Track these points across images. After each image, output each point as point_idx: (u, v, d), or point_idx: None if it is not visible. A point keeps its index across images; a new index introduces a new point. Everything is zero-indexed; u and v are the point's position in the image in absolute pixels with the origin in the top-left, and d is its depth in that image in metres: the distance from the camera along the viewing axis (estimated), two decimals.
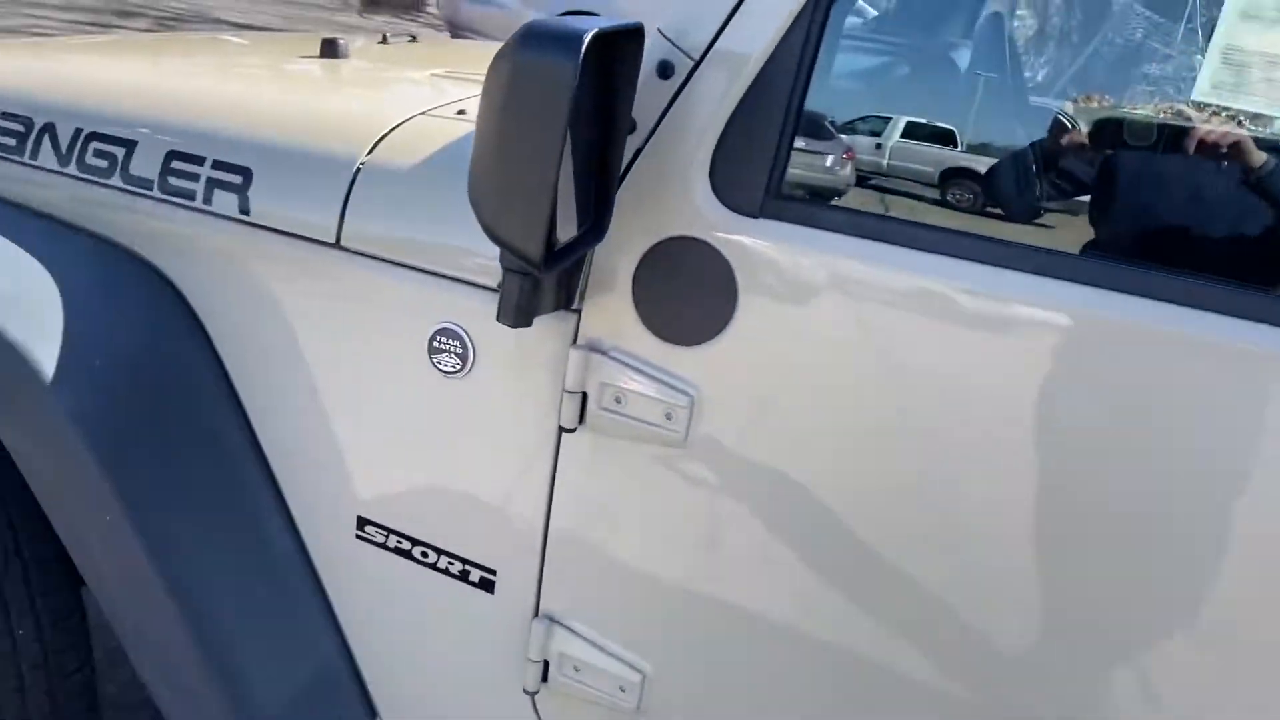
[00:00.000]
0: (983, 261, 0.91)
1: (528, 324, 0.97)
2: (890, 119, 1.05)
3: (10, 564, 1.29)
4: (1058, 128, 1.02)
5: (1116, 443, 0.88)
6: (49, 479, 1.15)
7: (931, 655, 0.99)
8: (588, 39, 0.77)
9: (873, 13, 1.08)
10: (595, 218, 0.96)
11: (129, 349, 1.19)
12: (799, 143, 0.97)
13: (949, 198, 1.04)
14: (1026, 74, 1.17)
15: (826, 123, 1.01)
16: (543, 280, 0.97)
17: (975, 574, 0.95)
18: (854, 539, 0.99)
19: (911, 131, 1.05)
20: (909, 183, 1.03)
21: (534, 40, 0.77)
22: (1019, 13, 1.28)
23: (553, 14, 0.87)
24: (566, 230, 0.93)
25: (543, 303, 0.99)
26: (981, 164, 1.03)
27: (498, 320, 0.95)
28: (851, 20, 1.04)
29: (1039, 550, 0.92)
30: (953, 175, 1.03)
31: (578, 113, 0.91)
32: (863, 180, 1.03)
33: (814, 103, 0.97)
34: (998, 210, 1.04)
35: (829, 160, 1.02)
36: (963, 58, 1.11)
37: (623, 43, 0.92)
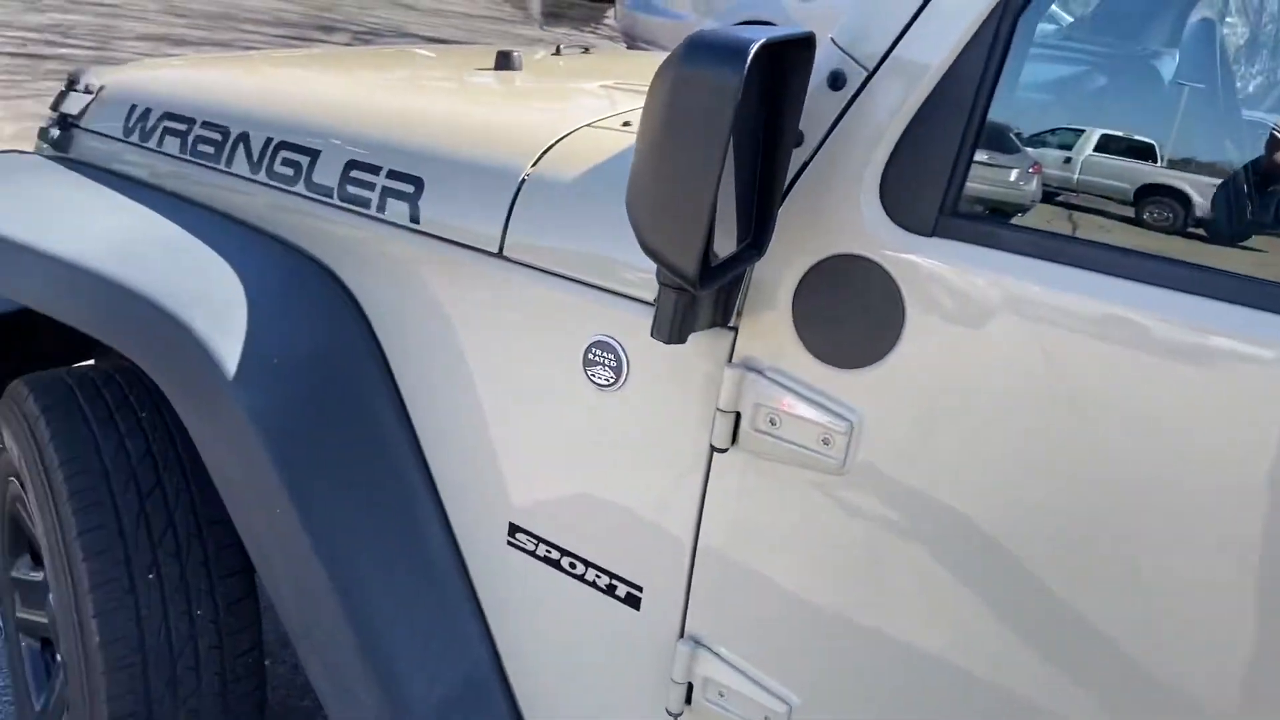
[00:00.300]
0: (1177, 288, 0.83)
1: (682, 341, 0.95)
2: (1081, 131, 0.97)
3: (192, 548, 1.38)
4: (1274, 144, 0.92)
5: None
6: (226, 469, 1.22)
7: (1099, 697, 0.91)
8: (754, 50, 0.74)
9: (1067, 19, 1.01)
10: (756, 234, 0.93)
11: (305, 349, 1.24)
12: (981, 156, 0.91)
13: (1146, 217, 0.96)
14: (1238, 85, 1.06)
15: (1011, 135, 0.95)
16: (699, 297, 0.94)
17: (1148, 614, 0.87)
18: (1019, 574, 0.92)
19: (1105, 145, 0.97)
20: (1101, 199, 0.94)
21: (698, 51, 0.75)
22: (1229, 19, 1.17)
23: (727, 24, 0.85)
24: (725, 246, 0.91)
25: (699, 319, 0.97)
26: (1184, 181, 0.94)
27: (652, 336, 0.94)
28: (1044, 27, 0.96)
29: (1216, 593, 0.83)
30: (1151, 193, 0.94)
31: (742, 125, 0.88)
32: (1050, 196, 0.96)
33: (998, 115, 0.91)
34: (1200, 232, 0.95)
35: (1014, 174, 0.95)
36: (1166, 67, 1.02)
37: (792, 53, 0.88)
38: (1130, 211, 0.94)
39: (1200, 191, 0.94)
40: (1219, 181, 0.94)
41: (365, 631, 1.22)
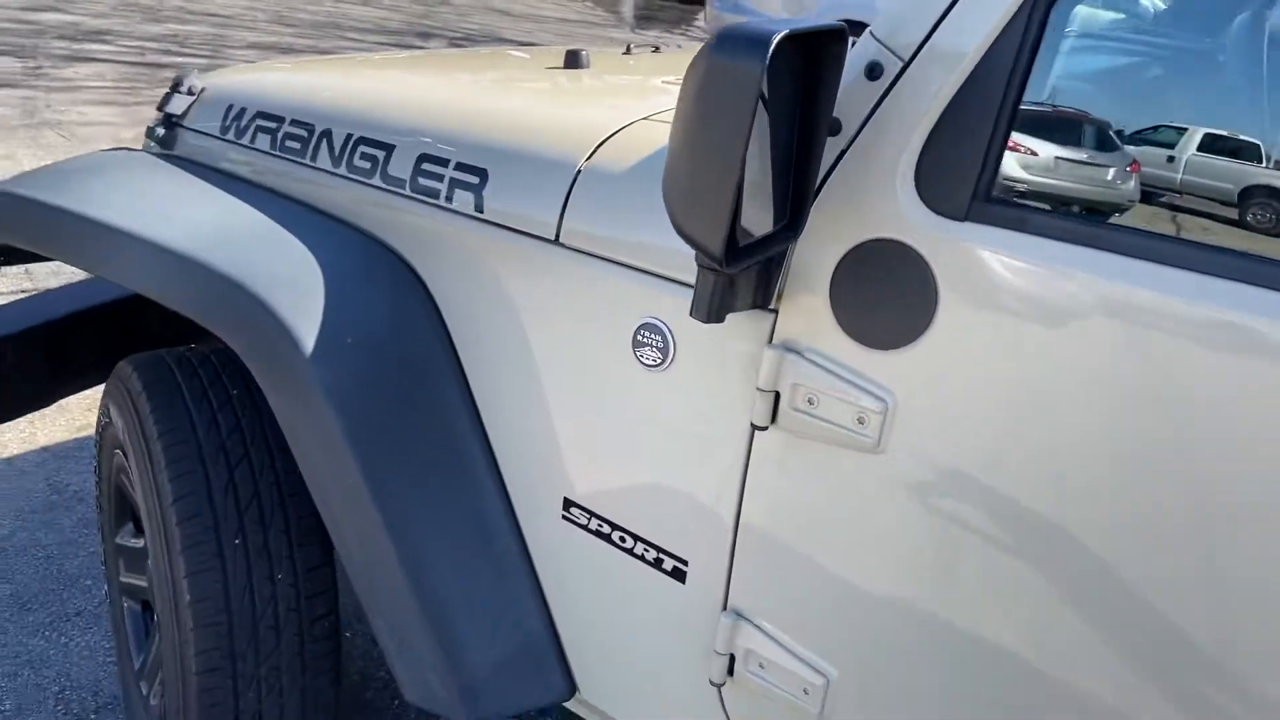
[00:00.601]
0: (1198, 270, 0.84)
1: (720, 320, 0.99)
2: (1122, 121, 0.98)
3: (275, 516, 1.47)
4: None
5: None
6: (303, 442, 1.31)
7: (1130, 672, 0.92)
8: (775, 41, 0.78)
9: (1101, 10, 1.01)
10: (791, 216, 0.97)
11: (378, 331, 1.33)
12: (1069, 153, 0.93)
13: (1181, 204, 0.96)
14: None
15: (1048, 123, 0.96)
16: (737, 278, 0.99)
17: (1178, 593, 0.88)
18: (1048, 554, 0.94)
19: (1147, 133, 0.98)
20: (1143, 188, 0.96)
21: (725, 42, 0.79)
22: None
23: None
24: (761, 226, 0.95)
25: (737, 300, 1.01)
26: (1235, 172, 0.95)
27: (691, 315, 0.98)
28: (1079, 13, 0.98)
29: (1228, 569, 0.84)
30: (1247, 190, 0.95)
31: (778, 111, 0.92)
32: (1084, 183, 0.97)
33: (1032, 102, 0.93)
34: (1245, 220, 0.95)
35: (1110, 173, 0.96)
36: (1204, 55, 1.02)
37: (827, 44, 0.92)
38: (1171, 199, 0.95)
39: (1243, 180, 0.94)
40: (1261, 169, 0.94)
41: (427, 596, 1.29)
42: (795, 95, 0.93)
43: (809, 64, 0.93)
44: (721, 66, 0.79)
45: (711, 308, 0.98)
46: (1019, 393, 0.93)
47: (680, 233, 0.87)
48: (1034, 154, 0.96)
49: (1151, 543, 0.88)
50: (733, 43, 0.79)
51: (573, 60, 1.72)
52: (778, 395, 1.06)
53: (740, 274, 1.02)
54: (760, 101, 0.79)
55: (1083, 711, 0.95)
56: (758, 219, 0.95)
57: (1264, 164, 0.89)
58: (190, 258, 1.34)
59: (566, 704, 1.43)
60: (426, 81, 1.74)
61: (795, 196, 0.96)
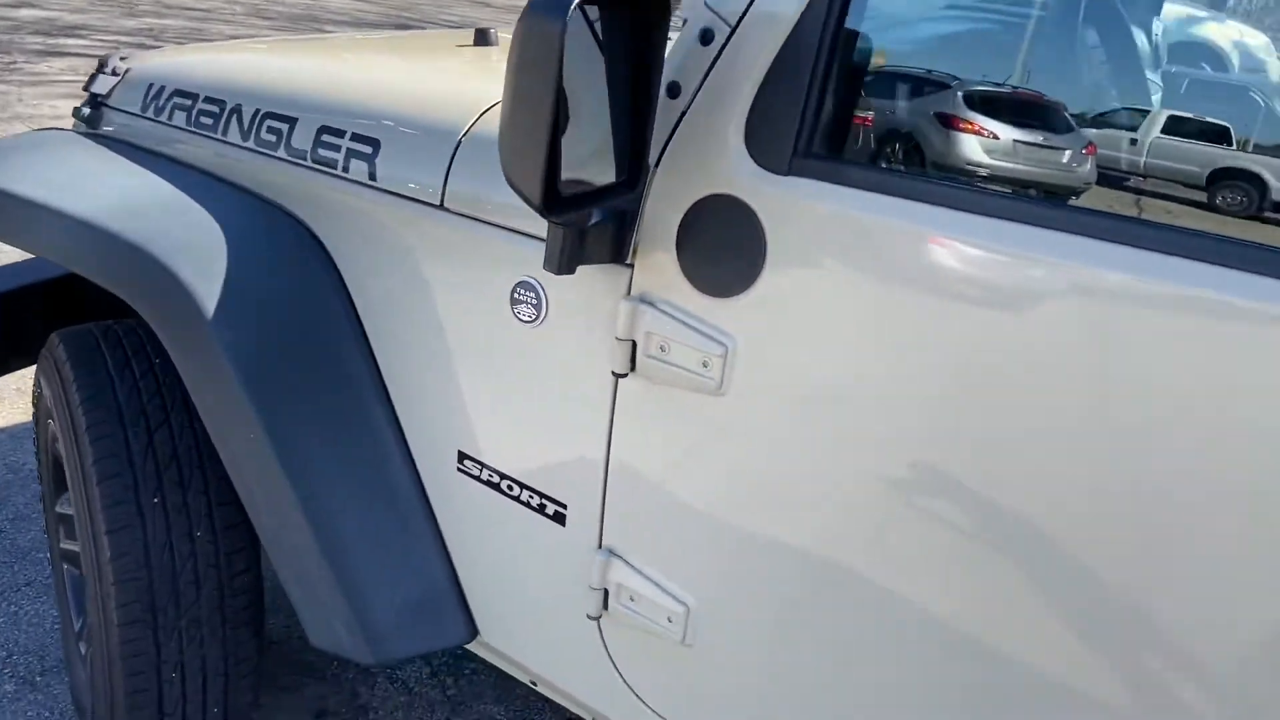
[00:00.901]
0: (998, 217, 0.92)
1: (570, 271, 1.07)
2: (936, 75, 1.06)
3: (194, 476, 1.55)
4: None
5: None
6: (207, 401, 1.38)
7: (951, 586, 1.00)
8: (572, 7, 0.86)
9: None
10: (630, 173, 1.04)
11: (278, 294, 1.40)
12: (1027, 136, 1.00)
13: (989, 159, 1.04)
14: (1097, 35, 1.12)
15: (860, 79, 1.04)
16: (587, 232, 1.06)
17: (973, 516, 0.96)
18: (875, 480, 1.02)
19: (964, 94, 1.05)
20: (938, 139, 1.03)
21: (535, 6, 0.87)
22: None
23: None
24: (603, 179, 1.02)
25: (587, 254, 1.09)
26: (1041, 123, 1.03)
27: (544, 268, 1.06)
28: None
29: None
30: (1004, 135, 1.03)
31: (616, 74, 1.00)
32: (897, 137, 1.05)
33: (846, 61, 1.01)
34: (1050, 172, 1.03)
35: (865, 116, 1.05)
36: (1015, 18, 1.09)
37: (650, 9, 0.99)
38: (978, 154, 1.03)
39: (1053, 134, 1.02)
40: (1072, 123, 1.02)
41: (330, 545, 1.37)
42: (629, 60, 1.01)
43: (639, 30, 1.00)
44: (530, 27, 0.87)
45: (561, 260, 1.05)
46: (840, 334, 1.01)
47: (509, 183, 0.94)
48: (995, 137, 1.03)
49: (970, 462, 0.96)
50: (539, 6, 0.87)
51: (481, 38, 1.79)
52: (634, 344, 1.14)
53: (592, 229, 1.09)
54: (576, 58, 0.87)
55: (926, 624, 1.02)
56: (599, 172, 1.02)
57: (1049, 132, 0.97)
58: (100, 227, 1.41)
59: (470, 646, 1.51)
60: (333, 61, 1.81)
61: (633, 154, 1.04)
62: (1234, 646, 0.86)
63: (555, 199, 0.94)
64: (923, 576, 1.02)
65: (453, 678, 2.15)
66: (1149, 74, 1.07)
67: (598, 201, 1.02)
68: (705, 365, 1.09)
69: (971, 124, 1.02)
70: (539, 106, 0.87)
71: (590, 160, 1.01)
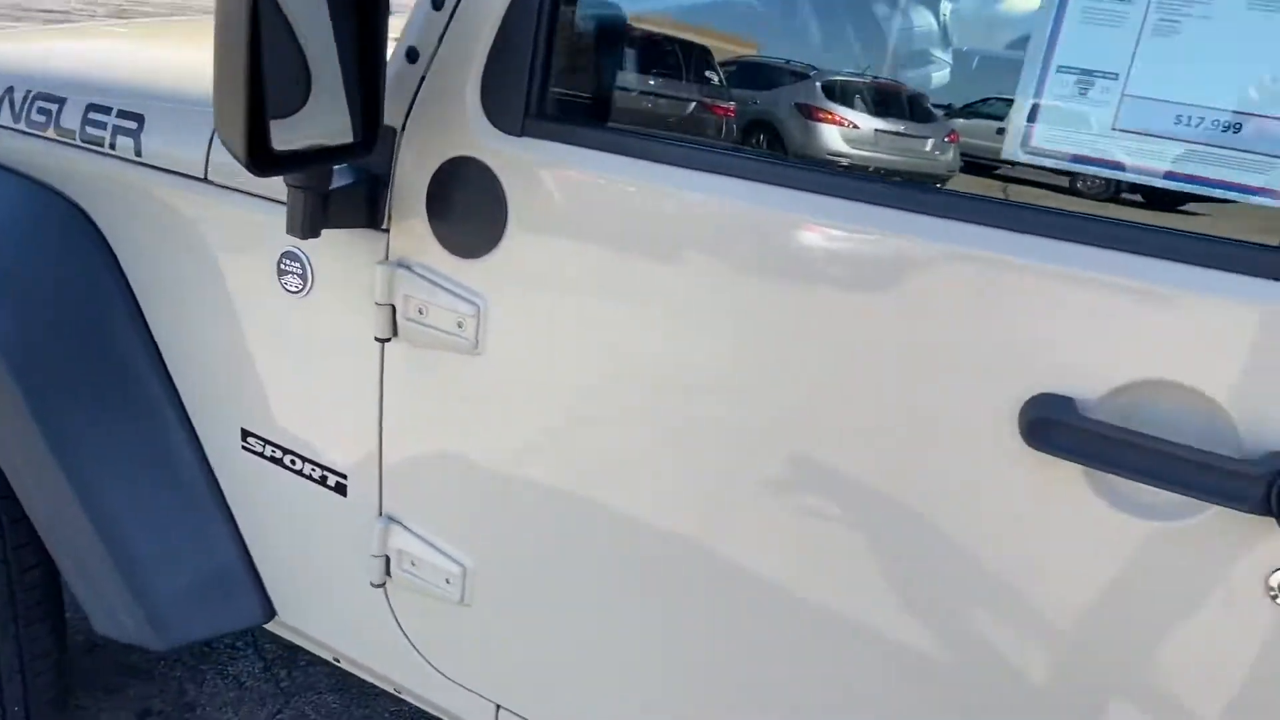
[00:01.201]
0: (726, 174, 0.95)
1: (315, 235, 1.07)
2: (661, 34, 1.10)
3: None
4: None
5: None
6: None
7: (708, 530, 1.04)
8: None
9: None
10: (365, 134, 1.05)
11: (47, 278, 1.36)
12: (888, 125, 1.01)
13: (697, 115, 1.08)
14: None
15: (592, 40, 1.07)
16: (330, 196, 1.07)
17: (714, 456, 1.00)
18: (619, 431, 1.05)
19: (680, 53, 1.10)
20: (671, 101, 1.08)
21: None
22: None
23: None
24: (339, 138, 1.02)
25: (337, 218, 1.09)
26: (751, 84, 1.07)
27: (287, 232, 1.06)
28: None
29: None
30: (706, 95, 1.07)
31: (345, 37, 1.00)
32: (629, 96, 1.09)
33: (572, 22, 1.04)
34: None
35: (598, 76, 1.08)
36: None
37: None
38: (687, 111, 1.07)
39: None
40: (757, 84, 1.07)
41: (108, 531, 1.34)
42: (355, 20, 1.01)
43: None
44: None
45: (303, 224, 1.06)
46: (579, 289, 1.04)
47: (221, 140, 0.94)
48: (856, 127, 1.04)
49: (709, 404, 1.00)
50: None
51: None
52: (394, 309, 1.15)
53: (339, 193, 1.10)
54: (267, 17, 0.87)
55: (686, 570, 1.06)
56: (335, 133, 1.02)
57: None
58: None
59: (271, 627, 1.50)
60: (110, 42, 1.77)
61: (367, 117, 1.05)
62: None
63: (267, 156, 0.94)
64: (679, 522, 1.05)
65: (286, 669, 2.12)
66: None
67: (323, 161, 1.03)
68: (460, 326, 1.11)
69: (830, 114, 1.04)
70: (235, 61, 0.87)
71: (325, 120, 1.01)
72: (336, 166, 1.05)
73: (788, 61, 1.08)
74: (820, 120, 1.05)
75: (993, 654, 0.90)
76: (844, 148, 1.05)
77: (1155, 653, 0.83)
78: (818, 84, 1.06)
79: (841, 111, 1.04)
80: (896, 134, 1.03)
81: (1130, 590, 0.82)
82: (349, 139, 1.04)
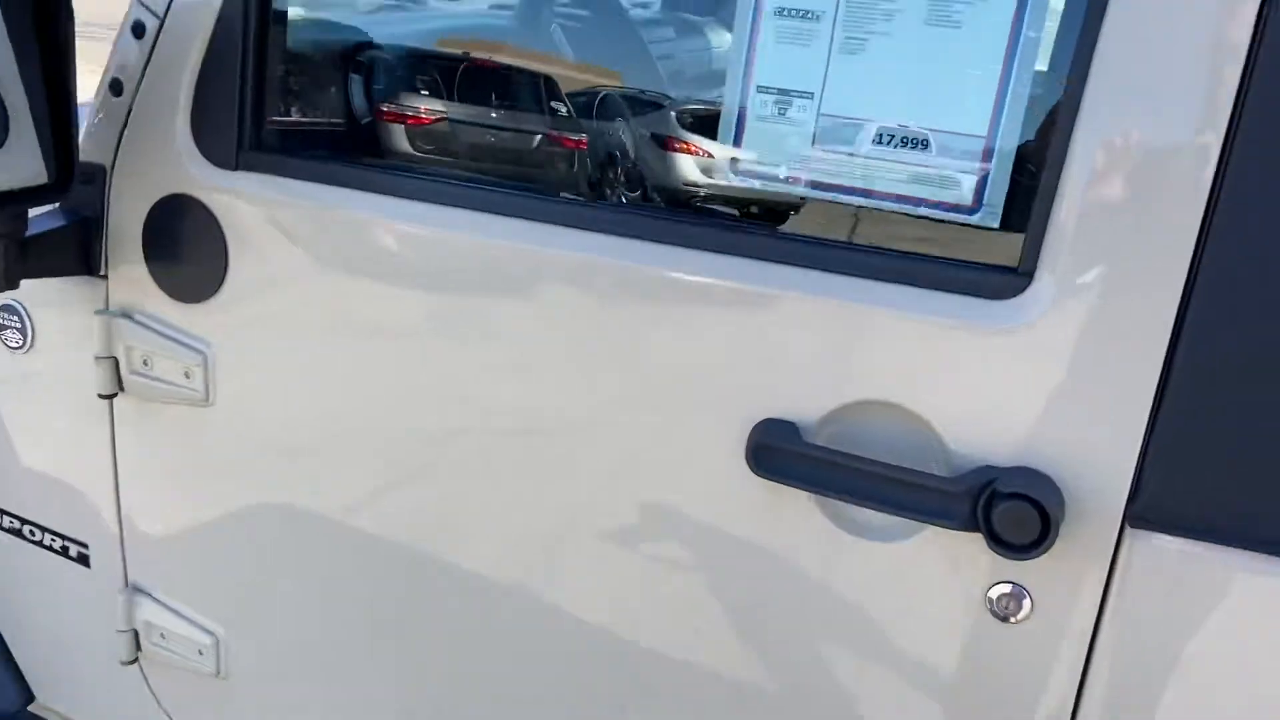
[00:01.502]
0: (449, 204, 0.90)
1: (14, 286, 0.98)
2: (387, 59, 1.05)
3: None
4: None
5: None
6: None
7: (462, 569, 0.98)
8: None
9: None
10: (59, 174, 0.96)
11: None
12: (740, 153, 0.95)
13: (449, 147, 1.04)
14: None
15: (300, 70, 1.01)
16: (28, 243, 0.98)
17: (457, 487, 0.95)
18: (365, 476, 0.99)
19: (421, 79, 1.05)
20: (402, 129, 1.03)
21: None
22: None
23: None
24: (35, 180, 0.93)
25: (43, 266, 1.00)
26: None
27: None
28: None
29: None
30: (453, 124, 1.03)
31: (31, 74, 0.91)
32: (353, 129, 1.03)
33: (279, 51, 0.98)
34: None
35: (305, 106, 1.02)
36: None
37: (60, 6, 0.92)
38: (414, 139, 1.03)
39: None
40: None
41: None
42: (40, 56, 0.93)
43: (42, 24, 0.92)
44: None
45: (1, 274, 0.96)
46: (307, 329, 0.97)
47: None
48: (710, 155, 0.97)
49: (441, 432, 0.94)
50: None
51: None
52: (117, 361, 1.06)
53: (44, 239, 1.01)
54: None
55: (432, 613, 1.00)
56: (28, 175, 0.93)
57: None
58: None
59: (34, 710, 1.37)
60: None
61: (59, 155, 0.96)
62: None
63: None
64: (422, 569, 0.99)
65: None
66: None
67: (13, 203, 0.94)
68: (188, 376, 1.03)
69: (686, 144, 0.98)
70: None
71: (17, 162, 0.92)
72: (36, 210, 0.96)
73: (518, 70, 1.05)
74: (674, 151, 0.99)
75: (723, 681, 0.87)
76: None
77: (889, 673, 0.81)
78: (672, 113, 1.02)
79: (695, 139, 0.98)
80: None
81: (859, 613, 0.80)
82: (44, 180, 0.95)
